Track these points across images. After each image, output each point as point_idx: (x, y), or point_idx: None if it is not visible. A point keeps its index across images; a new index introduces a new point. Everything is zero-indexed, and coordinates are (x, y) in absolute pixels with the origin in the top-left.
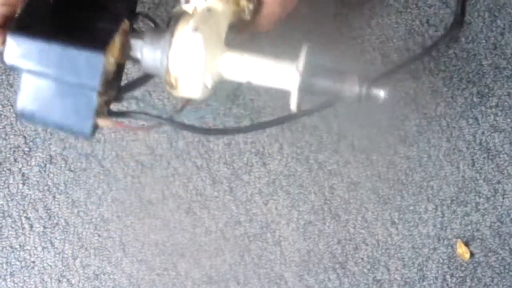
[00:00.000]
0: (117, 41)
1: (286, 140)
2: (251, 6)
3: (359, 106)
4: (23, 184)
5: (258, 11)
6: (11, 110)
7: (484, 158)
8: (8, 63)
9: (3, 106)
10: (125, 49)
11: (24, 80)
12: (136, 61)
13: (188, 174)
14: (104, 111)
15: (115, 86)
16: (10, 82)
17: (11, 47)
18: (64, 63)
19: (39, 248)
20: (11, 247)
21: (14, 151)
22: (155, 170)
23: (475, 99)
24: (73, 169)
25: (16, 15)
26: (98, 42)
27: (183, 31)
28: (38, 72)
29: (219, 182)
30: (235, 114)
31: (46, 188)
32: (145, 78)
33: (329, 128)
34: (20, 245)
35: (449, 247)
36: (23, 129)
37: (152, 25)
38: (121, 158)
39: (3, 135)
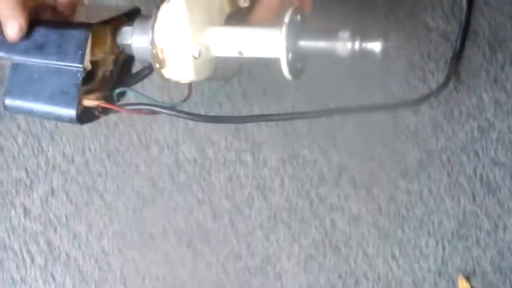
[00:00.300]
0: (107, 34)
1: (287, 174)
2: None
3: (360, 140)
4: (25, 217)
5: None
6: (13, 144)
7: (484, 192)
8: None
9: (5, 139)
10: (117, 38)
11: (11, 67)
12: (127, 50)
13: (189, 208)
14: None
15: (109, 85)
16: (12, 115)
17: None
18: (49, 43)
19: (40, 282)
20: (12, 280)
21: (16, 184)
22: (156, 204)
23: (475, 133)
24: (74, 202)
25: None
26: (82, 24)
27: (168, 2)
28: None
29: (220, 216)
30: (236, 147)
31: (47, 221)
32: (139, 74)
33: (330, 162)
34: (21, 278)
35: (450, 282)
36: (26, 162)
37: None
38: (123, 192)
39: (5, 168)
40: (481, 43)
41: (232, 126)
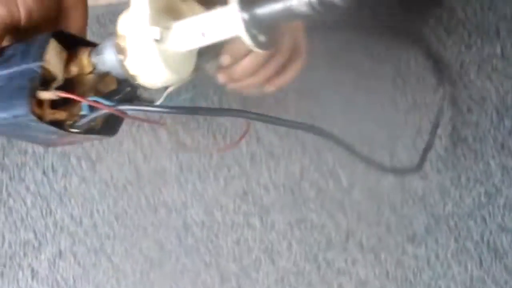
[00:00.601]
0: (82, 52)
1: (295, 238)
2: None
3: (368, 204)
4: (32, 278)
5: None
6: (22, 205)
7: (492, 258)
8: None
9: (14, 201)
10: (92, 66)
11: None
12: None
13: (197, 271)
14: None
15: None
16: (22, 177)
17: None
18: (15, 56)
19: None
20: None
21: (24, 245)
22: (164, 266)
23: (483, 199)
24: (82, 264)
25: None
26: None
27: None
28: None
29: (228, 279)
30: (244, 211)
31: (55, 283)
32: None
33: (338, 227)
34: None
35: None
36: (34, 223)
37: None
38: (130, 254)
39: (14, 229)
40: (488, 108)
41: (239, 189)
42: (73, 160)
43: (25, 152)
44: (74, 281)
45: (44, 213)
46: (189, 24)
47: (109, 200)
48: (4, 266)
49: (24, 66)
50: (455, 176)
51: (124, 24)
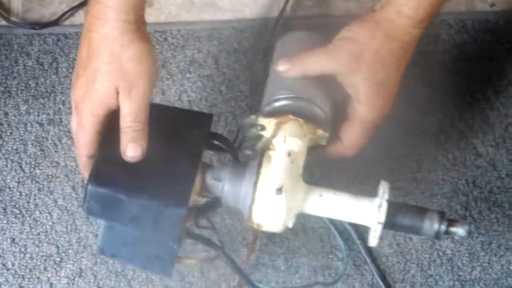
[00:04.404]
0: (196, 182)
1: (319, 286)
2: (327, 134)
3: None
4: None
5: (335, 142)
6: (48, 217)
7: None
8: (89, 214)
9: (40, 213)
10: (203, 187)
11: (105, 224)
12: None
13: None
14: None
15: (193, 214)
16: (51, 189)
17: (92, 200)
18: (144, 217)
19: None
20: None
21: (46, 259)
22: None
23: (511, 268)
24: (101, 285)
25: (93, 165)
26: (179, 196)
27: (267, 188)
28: (119, 222)
29: None
30: (270, 251)
31: None
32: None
33: (363, 278)
34: None
35: None
36: (58, 238)
37: (224, 147)
38: (151, 281)
39: (37, 242)
40: None
41: None
42: None
43: (57, 164)
44: None
45: (69, 229)
46: (319, 200)
47: None
48: (23, 278)
49: (156, 232)
50: (486, 241)
51: (260, 217)
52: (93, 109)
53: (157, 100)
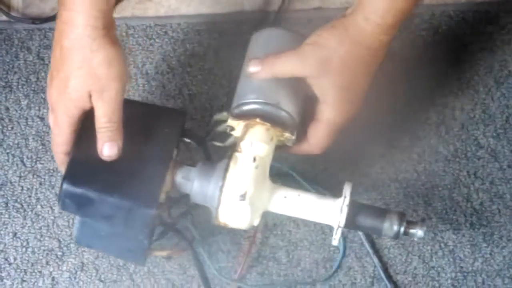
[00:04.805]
0: (167, 180)
1: (319, 278)
2: (294, 137)
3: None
4: None
5: (302, 141)
6: (50, 212)
7: None
8: (63, 210)
9: (42, 207)
10: (173, 183)
11: (79, 219)
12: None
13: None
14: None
15: (164, 208)
16: (52, 183)
17: (66, 198)
18: (116, 215)
19: None
20: None
21: (47, 253)
22: None
23: None
24: (103, 279)
25: (68, 164)
26: (149, 196)
27: (231, 193)
28: (93, 218)
29: None
30: (271, 243)
31: None
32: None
33: (364, 270)
34: None
35: None
36: (59, 232)
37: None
38: (152, 274)
39: (39, 237)
40: None
41: (270, 221)
42: None
43: None
44: None
45: (70, 223)
46: (284, 199)
47: None
48: (25, 272)
49: (128, 229)
50: (488, 232)
51: (226, 218)
52: (67, 111)
53: (158, 94)
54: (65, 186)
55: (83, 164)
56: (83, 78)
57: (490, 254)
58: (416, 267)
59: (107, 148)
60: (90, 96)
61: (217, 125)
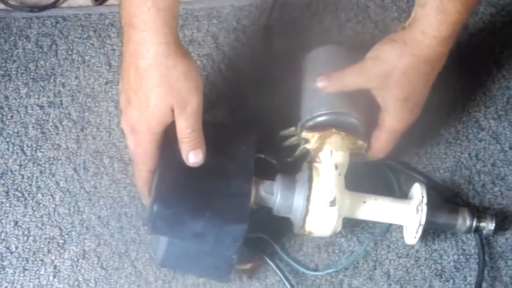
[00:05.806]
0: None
1: (322, 262)
2: (366, 144)
3: (398, 235)
4: (54, 276)
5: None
6: (50, 200)
7: None
8: (154, 232)
9: (42, 195)
10: (256, 200)
11: (167, 240)
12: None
13: (220, 285)
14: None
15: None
16: (53, 171)
17: (158, 219)
18: (207, 233)
19: None
20: None
21: (49, 242)
22: (187, 278)
23: None
24: (105, 267)
25: (153, 185)
26: (239, 212)
27: (320, 201)
28: (182, 239)
29: None
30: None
31: (76, 283)
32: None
33: (367, 255)
34: None
35: None
36: (60, 220)
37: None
38: (154, 261)
39: (40, 225)
40: None
41: None
42: (106, 160)
43: (59, 146)
44: (96, 283)
45: (71, 211)
46: (362, 205)
47: (138, 205)
48: (27, 261)
49: (217, 247)
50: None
51: (313, 227)
52: (150, 129)
53: None
54: (156, 207)
55: (169, 184)
56: (164, 95)
57: (493, 236)
58: (419, 250)
59: (193, 155)
60: (172, 111)
61: (284, 140)
